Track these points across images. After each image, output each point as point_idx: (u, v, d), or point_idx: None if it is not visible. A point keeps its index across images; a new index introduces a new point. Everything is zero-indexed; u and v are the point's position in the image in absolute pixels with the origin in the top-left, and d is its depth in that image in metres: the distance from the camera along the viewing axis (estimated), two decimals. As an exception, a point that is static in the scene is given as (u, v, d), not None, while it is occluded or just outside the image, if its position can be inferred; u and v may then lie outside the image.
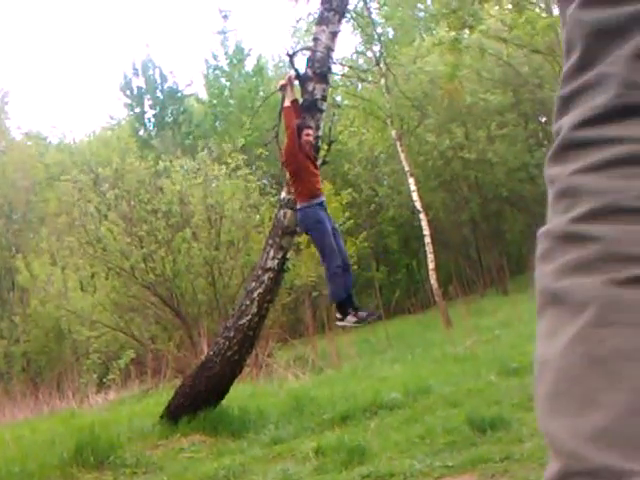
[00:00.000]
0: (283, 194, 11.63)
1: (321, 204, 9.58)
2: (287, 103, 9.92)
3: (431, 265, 29.70)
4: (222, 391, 11.81)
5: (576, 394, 0.79)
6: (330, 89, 12.60)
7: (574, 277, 0.84)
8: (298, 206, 9.65)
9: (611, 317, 0.79)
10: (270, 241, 11.66)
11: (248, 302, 11.58)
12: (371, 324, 29.49)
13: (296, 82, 11.19)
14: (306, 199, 9.44)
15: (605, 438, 0.74)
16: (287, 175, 10.04)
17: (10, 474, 9.46)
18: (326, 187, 27.99)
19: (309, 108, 11.32)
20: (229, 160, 25.09)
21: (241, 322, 11.54)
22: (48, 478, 9.30)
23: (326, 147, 12.91)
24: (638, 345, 0.76)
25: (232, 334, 11.57)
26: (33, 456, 10.18)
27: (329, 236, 9.67)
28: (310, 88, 11.44)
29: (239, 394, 12.80)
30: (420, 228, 31.08)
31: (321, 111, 11.66)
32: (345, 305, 9.67)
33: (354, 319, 9.64)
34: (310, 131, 9.98)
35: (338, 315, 9.68)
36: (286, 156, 9.55)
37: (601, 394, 0.76)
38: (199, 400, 11.51)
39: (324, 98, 11.73)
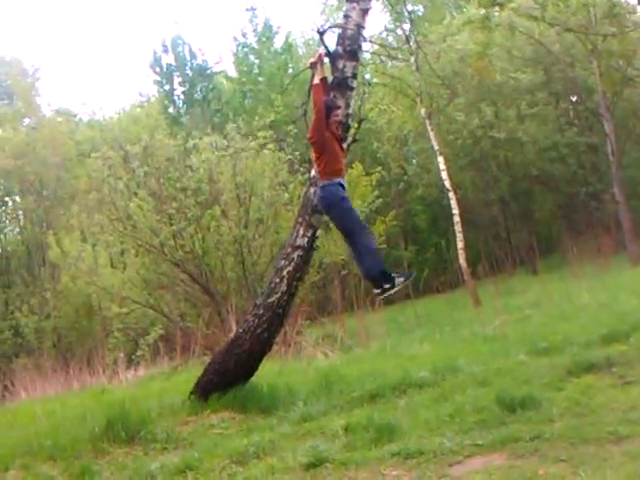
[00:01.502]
0: (313, 172, 11.61)
1: (342, 184, 9.49)
2: (316, 80, 9.86)
3: (460, 244, 29.65)
4: (251, 368, 11.83)
5: None
6: (360, 67, 12.52)
7: None
8: (319, 184, 9.59)
9: None
10: (300, 219, 11.65)
11: (278, 280, 11.59)
12: (400, 303, 29.53)
13: (326, 60, 11.14)
14: (327, 177, 9.38)
15: None
16: (312, 152, 9.94)
17: (42, 448, 9.55)
18: (356, 168, 28.07)
19: (339, 86, 11.28)
20: (259, 134, 25.07)
21: (270, 300, 11.55)
22: (79, 452, 9.38)
23: (356, 125, 12.87)
24: None
25: (261, 312, 11.59)
26: (64, 431, 10.26)
27: (355, 211, 9.64)
28: (340, 66, 11.40)
29: (268, 372, 12.82)
30: (449, 207, 31.02)
31: (351, 89, 11.61)
32: (378, 280, 9.58)
33: (402, 279, 9.55)
34: (339, 111, 9.94)
35: (376, 290, 9.59)
36: (312, 133, 9.48)
37: None
38: (228, 377, 11.54)
39: (354, 76, 11.68)
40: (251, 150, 24.42)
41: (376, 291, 9.61)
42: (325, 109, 9.44)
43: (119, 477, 8.36)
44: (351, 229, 9.45)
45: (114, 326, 26.62)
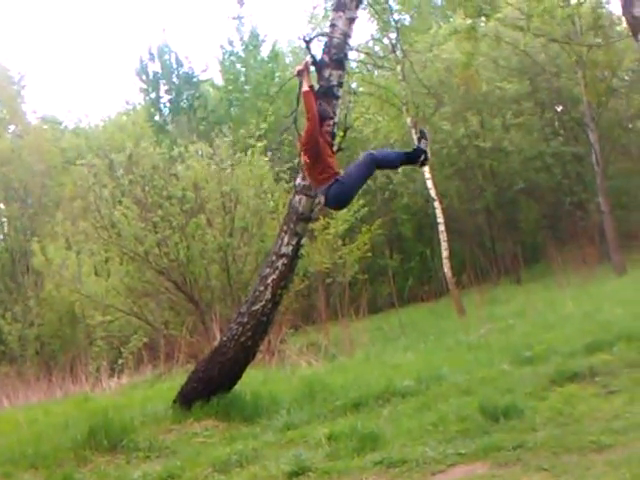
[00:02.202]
0: (298, 180, 11.63)
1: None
2: (306, 87, 9.80)
3: (445, 253, 29.66)
4: (235, 376, 11.84)
5: None
6: (346, 76, 12.54)
7: None
8: (319, 191, 9.51)
9: None
10: (285, 227, 11.67)
11: (262, 288, 11.60)
12: (384, 312, 29.51)
13: (312, 68, 11.14)
14: (324, 183, 9.31)
15: None
16: (303, 161, 9.90)
17: (24, 456, 9.53)
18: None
19: (325, 94, 11.30)
20: (252, 143, 25.07)
21: (255, 308, 11.56)
22: (62, 460, 9.36)
23: (342, 134, 12.87)
24: None
25: (246, 320, 11.60)
26: (47, 439, 10.26)
27: (353, 172, 9.48)
28: (326, 74, 11.44)
29: (252, 380, 12.83)
30: (434, 216, 31.02)
31: (337, 97, 11.65)
32: (411, 158, 9.58)
33: (423, 144, 9.59)
34: (331, 122, 9.94)
35: (419, 162, 9.56)
36: (306, 139, 9.39)
37: None
38: (212, 385, 11.55)
39: (340, 85, 11.72)
40: (236, 159, 24.42)
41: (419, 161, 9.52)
42: (320, 117, 9.42)
43: (101, 485, 8.34)
44: (365, 173, 9.41)
45: (97, 334, 26.55)
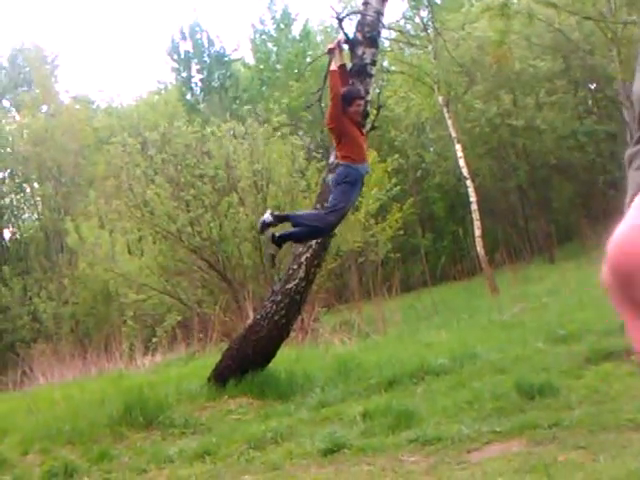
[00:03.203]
0: (332, 158, 11.60)
1: (363, 172, 9.48)
2: (334, 67, 9.73)
3: (477, 232, 29.57)
4: (269, 354, 11.88)
5: None
6: (378, 54, 12.50)
7: None
8: (340, 163, 9.54)
9: None
10: (318, 205, 11.65)
11: (296, 266, 11.62)
12: (417, 290, 29.53)
13: (345, 47, 11.10)
14: (349, 161, 9.33)
15: None
16: (332, 139, 9.93)
17: (60, 432, 9.61)
18: (370, 155, 28.01)
19: (359, 73, 11.27)
20: (273, 118, 25.13)
21: (289, 286, 11.58)
22: (98, 437, 9.44)
23: (375, 112, 12.83)
24: None
25: (279, 298, 11.62)
26: (83, 415, 10.33)
27: (349, 201, 9.58)
28: (360, 52, 11.38)
29: (285, 358, 12.85)
30: (466, 195, 30.92)
31: (370, 76, 11.61)
32: (283, 242, 9.60)
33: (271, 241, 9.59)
34: (361, 101, 9.85)
35: (274, 239, 9.52)
36: (329, 120, 9.42)
37: None
38: (246, 363, 11.59)
39: (374, 63, 11.67)
40: (267, 137, 24.44)
41: (275, 238, 9.50)
42: (346, 97, 9.35)
43: (137, 462, 8.40)
44: (335, 207, 9.38)
45: (130, 313, 26.72)
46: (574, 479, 4.70)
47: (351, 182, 9.27)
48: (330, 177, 11.44)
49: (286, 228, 10.05)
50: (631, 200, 0.83)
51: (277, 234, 9.48)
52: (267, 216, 9.39)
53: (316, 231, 9.72)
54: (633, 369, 9.13)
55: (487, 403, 8.48)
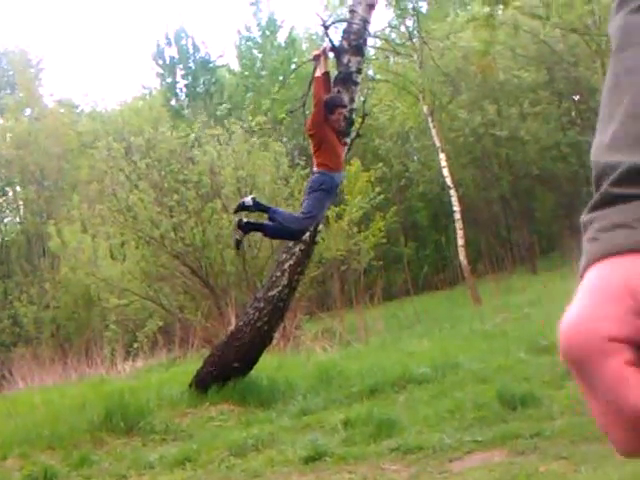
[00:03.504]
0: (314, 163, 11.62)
1: (338, 181, 9.49)
2: (318, 73, 9.74)
3: (460, 241, 29.63)
4: (251, 361, 11.87)
5: (605, 116, 0.87)
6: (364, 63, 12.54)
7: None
8: (316, 170, 9.53)
9: (628, 40, 0.88)
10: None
11: (279, 274, 11.61)
12: (399, 299, 29.54)
13: (330, 55, 11.12)
14: (326, 169, 9.33)
15: (611, 143, 0.84)
16: (311, 145, 9.92)
17: (40, 437, 9.57)
18: (354, 164, 28.05)
19: (344, 80, 11.29)
20: (254, 124, 25.15)
21: (271, 293, 11.57)
22: (78, 442, 9.40)
23: (360, 120, 12.85)
24: None
25: (262, 305, 11.61)
26: (63, 420, 10.29)
27: (323, 209, 9.59)
28: (345, 60, 11.40)
29: (267, 365, 12.84)
30: (450, 204, 31.00)
31: (356, 84, 11.63)
32: (249, 229, 9.55)
33: (236, 238, 9.56)
34: (343, 110, 9.84)
35: (240, 224, 9.46)
36: (311, 126, 9.43)
37: (615, 109, 0.85)
38: (228, 369, 11.57)
39: (359, 71, 11.70)
40: (251, 144, 24.45)
41: (239, 223, 9.45)
42: (329, 105, 9.35)
43: (117, 467, 8.38)
44: (309, 213, 9.36)
45: (113, 318, 26.65)
46: (556, 490, 4.69)
47: (326, 190, 9.27)
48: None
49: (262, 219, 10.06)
50: (583, 271, 0.83)
51: (245, 220, 9.48)
52: (248, 199, 9.40)
53: (288, 232, 9.67)
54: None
55: (469, 413, 8.50)
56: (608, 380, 0.74)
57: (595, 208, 0.83)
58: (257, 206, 9.46)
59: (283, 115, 24.17)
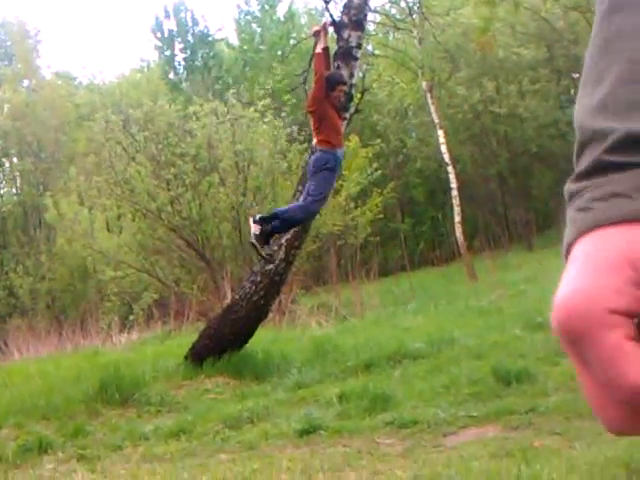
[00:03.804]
0: (315, 140, 11.58)
1: (340, 157, 9.49)
2: (319, 50, 9.70)
3: (457, 218, 29.59)
4: (247, 335, 11.87)
5: (591, 79, 0.85)
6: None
7: None
8: (317, 149, 9.52)
9: (618, 3, 0.85)
10: (300, 187, 11.63)
11: (276, 248, 11.57)
12: (395, 275, 29.56)
13: (330, 29, 11.06)
14: (327, 146, 9.34)
15: (600, 108, 0.81)
16: (311, 121, 9.89)
17: (36, 407, 9.58)
18: (352, 140, 28.00)
19: (344, 55, 11.23)
20: (258, 102, 25.07)
21: (268, 267, 11.55)
22: (73, 413, 9.41)
23: (359, 96, 12.81)
24: (637, 24, 0.82)
25: (259, 279, 11.60)
26: (58, 391, 10.30)
27: (330, 188, 9.60)
28: (345, 35, 11.34)
29: (262, 339, 12.85)
30: (447, 181, 30.96)
31: (356, 59, 11.56)
32: (271, 235, 9.53)
33: (264, 252, 9.51)
34: (344, 87, 9.83)
35: (257, 233, 9.40)
36: (311, 102, 9.40)
37: (605, 72, 0.82)
38: (224, 342, 11.58)
39: (359, 46, 11.62)
40: (251, 118, 24.39)
41: (256, 232, 9.41)
42: (330, 81, 9.33)
43: (112, 438, 8.39)
44: (317, 195, 9.36)
45: (108, 290, 26.65)
46: (550, 465, 4.70)
47: (331, 168, 9.27)
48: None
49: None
50: (572, 242, 0.79)
51: (259, 216, 9.46)
52: (255, 229, 9.31)
53: (298, 220, 9.71)
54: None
55: (464, 388, 8.52)
56: (606, 355, 0.71)
57: (585, 176, 0.79)
58: (265, 220, 9.42)
59: (287, 97, 24.17)
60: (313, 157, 9.61)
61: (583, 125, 0.82)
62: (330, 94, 9.26)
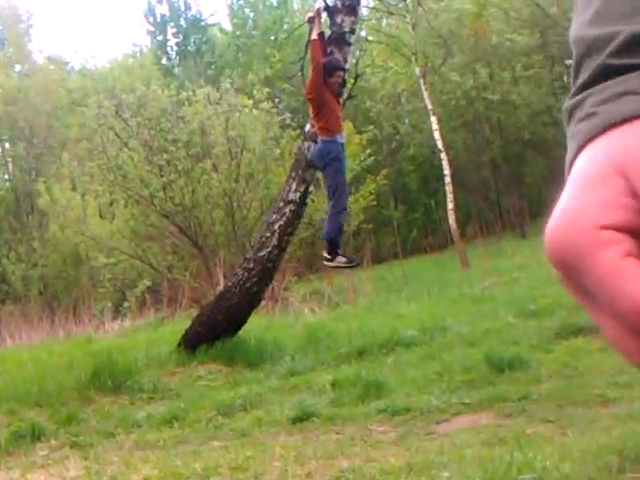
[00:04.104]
0: (307, 127, 11.55)
1: (341, 142, 9.51)
2: (314, 36, 9.69)
3: (450, 205, 29.55)
4: (239, 322, 11.86)
5: (582, 4, 0.78)
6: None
7: None
8: (319, 139, 9.54)
9: None
10: (293, 173, 11.61)
11: (268, 234, 11.56)
12: (388, 262, 29.58)
13: (324, 14, 11.04)
14: (328, 134, 9.36)
15: (596, 17, 0.75)
16: (310, 109, 9.89)
17: (28, 394, 9.56)
18: (346, 126, 27.94)
19: (337, 41, 11.19)
20: (254, 92, 25.01)
21: (261, 254, 11.53)
22: (66, 400, 9.41)
23: (352, 81, 12.79)
24: None
25: (251, 265, 11.58)
26: (51, 378, 10.29)
27: (344, 175, 9.61)
28: (339, 20, 11.29)
29: (255, 326, 12.84)
30: (440, 168, 30.92)
31: (349, 44, 11.51)
32: (336, 245, 9.61)
33: (344, 259, 9.59)
34: (342, 72, 9.86)
35: (327, 255, 9.57)
36: (310, 89, 9.41)
37: None
38: (216, 329, 11.57)
39: (352, 31, 11.57)
40: (244, 105, 24.35)
41: (326, 256, 9.60)
42: (327, 68, 9.34)
43: (105, 425, 8.38)
44: (337, 189, 9.42)
45: (101, 276, 26.60)
46: (543, 452, 4.70)
47: (337, 158, 9.33)
48: (306, 145, 11.39)
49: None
50: (570, 165, 0.71)
51: (327, 254, 9.56)
52: (332, 264, 9.57)
53: (341, 225, 9.86)
54: (603, 345, 9.19)
55: (457, 375, 8.53)
56: (603, 277, 0.62)
57: (587, 86, 0.74)
58: (331, 248, 9.54)
59: (284, 84, 24.13)
60: (316, 149, 9.62)
61: (581, 37, 0.77)
62: (328, 80, 9.29)
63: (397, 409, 7.46)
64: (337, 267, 9.76)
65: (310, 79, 9.43)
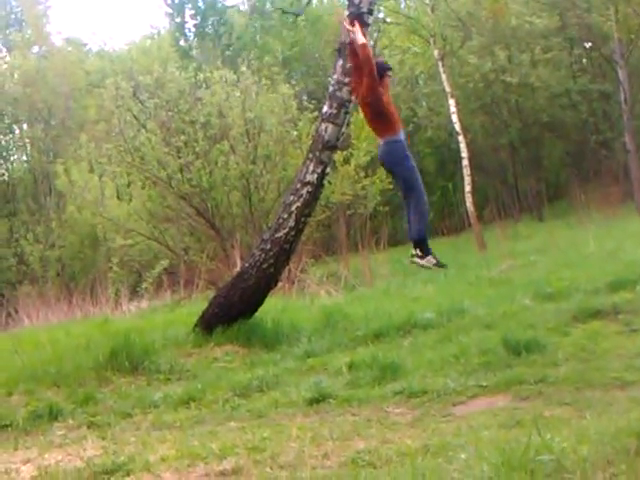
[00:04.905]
0: (325, 108, 11.49)
1: (404, 139, 9.43)
2: (363, 39, 9.43)
3: (468, 188, 29.45)
4: (256, 303, 11.85)
5: None
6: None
7: None
8: (384, 140, 9.38)
9: None
10: (310, 155, 11.57)
11: (286, 215, 11.53)
12: (404, 245, 29.50)
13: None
14: (391, 134, 9.25)
15: None
16: (364, 113, 9.72)
17: (46, 374, 9.60)
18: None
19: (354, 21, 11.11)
20: (268, 72, 24.98)
21: (278, 235, 11.51)
22: (83, 380, 9.43)
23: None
24: None
25: (268, 246, 11.56)
26: (69, 358, 10.30)
27: (416, 171, 9.53)
28: (357, 1, 11.19)
29: (272, 308, 12.82)
30: (457, 151, 30.82)
31: (367, 25, 11.40)
32: (425, 243, 9.52)
33: (434, 260, 9.51)
34: (391, 73, 9.80)
35: (418, 252, 9.45)
36: (367, 92, 9.22)
37: None
38: (233, 311, 11.56)
39: (370, 12, 11.45)
40: (261, 85, 24.32)
41: (416, 253, 9.50)
42: (379, 70, 9.25)
43: (122, 406, 8.40)
44: (411, 188, 9.35)
45: (118, 258, 26.63)
46: (561, 434, 4.68)
47: (403, 155, 9.25)
48: (323, 127, 11.34)
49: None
50: None
51: (416, 253, 9.53)
52: (422, 262, 9.47)
53: (426, 221, 9.76)
54: (620, 328, 9.16)
55: (473, 358, 8.51)
56: None
57: None
58: (419, 248, 9.51)
59: (296, 63, 23.99)
60: (384, 152, 9.39)
61: None
62: (381, 82, 9.24)
63: (414, 391, 7.46)
64: (424, 266, 9.67)
65: (366, 84, 9.21)
